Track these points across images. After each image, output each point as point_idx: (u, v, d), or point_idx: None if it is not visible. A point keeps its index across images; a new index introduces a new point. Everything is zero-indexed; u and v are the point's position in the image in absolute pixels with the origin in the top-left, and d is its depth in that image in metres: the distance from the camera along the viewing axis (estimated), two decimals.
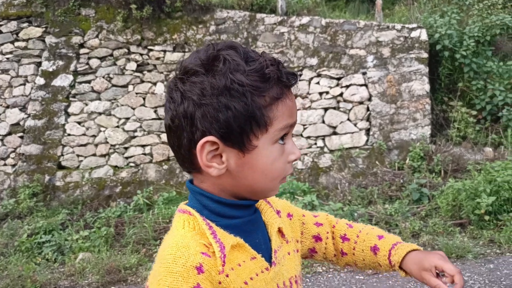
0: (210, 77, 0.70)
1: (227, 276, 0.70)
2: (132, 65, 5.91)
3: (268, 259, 0.78)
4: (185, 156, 0.74)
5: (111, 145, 5.85)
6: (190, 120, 0.71)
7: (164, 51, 5.91)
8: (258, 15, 5.85)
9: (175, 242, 0.71)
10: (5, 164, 5.83)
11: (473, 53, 5.74)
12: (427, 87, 5.57)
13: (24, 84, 6.00)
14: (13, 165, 5.82)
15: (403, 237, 4.00)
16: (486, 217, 3.97)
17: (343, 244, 0.98)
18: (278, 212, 0.88)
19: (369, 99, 5.62)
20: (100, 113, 5.89)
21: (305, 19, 5.79)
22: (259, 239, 0.79)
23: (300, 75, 5.79)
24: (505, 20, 5.79)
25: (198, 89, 0.70)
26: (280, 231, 0.85)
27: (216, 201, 0.75)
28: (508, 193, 3.95)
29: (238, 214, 0.76)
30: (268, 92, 0.71)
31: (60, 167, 5.81)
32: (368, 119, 5.61)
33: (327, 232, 0.98)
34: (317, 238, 0.97)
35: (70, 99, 5.93)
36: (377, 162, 5.37)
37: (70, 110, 5.91)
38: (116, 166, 5.81)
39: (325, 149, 5.61)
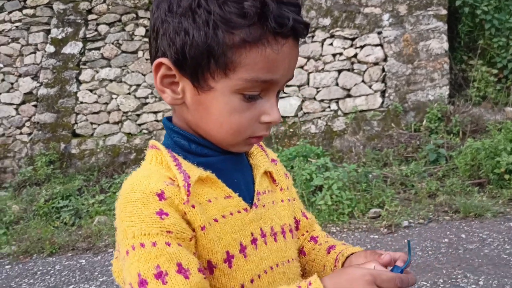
0: None
1: (193, 207, 0.63)
2: (141, 30, 5.81)
3: (249, 201, 0.71)
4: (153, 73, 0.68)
5: (124, 112, 5.84)
6: (156, 34, 0.65)
7: None
8: None
9: (135, 174, 0.65)
10: (21, 133, 5.90)
11: (495, 9, 5.47)
12: (445, 45, 5.35)
13: (35, 53, 5.98)
14: (29, 134, 5.89)
15: (419, 197, 3.95)
16: (506, 176, 3.86)
17: (309, 243, 0.86)
18: (273, 160, 0.80)
19: (385, 60, 5.43)
20: (111, 80, 5.85)
21: None
22: (238, 179, 0.71)
23: (313, 36, 5.62)
24: None
25: (167, 4, 0.63)
26: (270, 175, 0.77)
27: (187, 137, 0.68)
28: None
29: (211, 154, 0.69)
30: (240, 31, 0.59)
31: (75, 135, 5.85)
32: (383, 81, 5.45)
33: (306, 230, 0.87)
34: (297, 223, 0.85)
35: (81, 66, 5.89)
36: (392, 124, 5.25)
37: (81, 77, 5.89)
38: (129, 133, 5.82)
39: (339, 112, 5.50)
